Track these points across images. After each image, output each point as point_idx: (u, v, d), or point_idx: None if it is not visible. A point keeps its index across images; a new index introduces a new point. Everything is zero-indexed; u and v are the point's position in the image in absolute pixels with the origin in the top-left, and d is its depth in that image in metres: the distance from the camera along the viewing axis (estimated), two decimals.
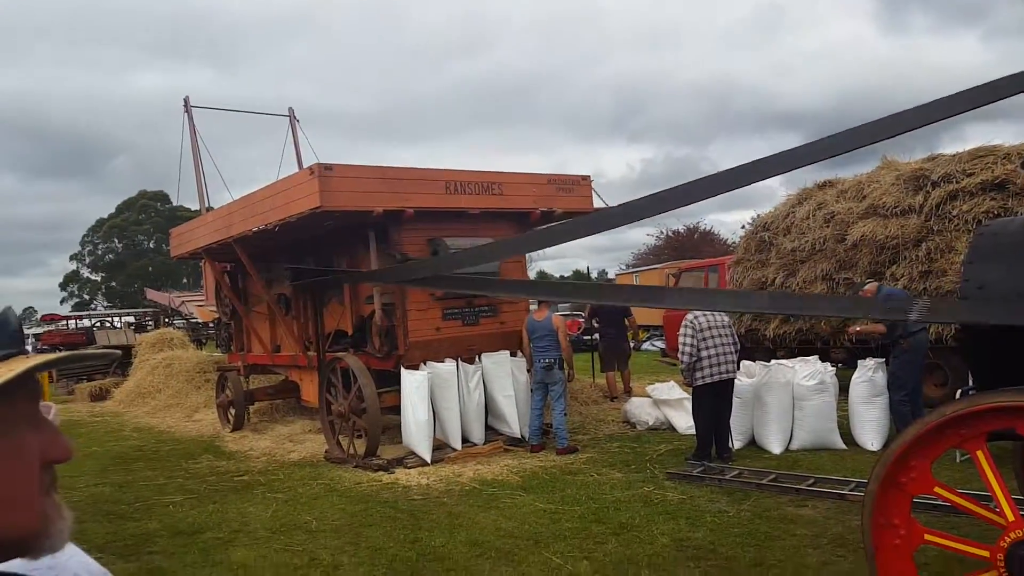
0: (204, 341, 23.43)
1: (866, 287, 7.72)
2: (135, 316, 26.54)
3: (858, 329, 8.39)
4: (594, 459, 7.84)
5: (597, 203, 10.03)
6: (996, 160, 9.24)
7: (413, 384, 8.06)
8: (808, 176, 12.26)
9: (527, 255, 10.49)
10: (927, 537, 3.00)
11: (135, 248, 57.45)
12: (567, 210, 9.58)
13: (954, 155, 9.87)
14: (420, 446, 8.01)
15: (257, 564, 5.15)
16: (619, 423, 9.78)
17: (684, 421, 8.73)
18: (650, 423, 9.33)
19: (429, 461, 7.92)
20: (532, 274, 14.60)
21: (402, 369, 8.26)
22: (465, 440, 8.51)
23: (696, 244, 37.41)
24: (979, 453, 2.85)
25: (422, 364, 8.43)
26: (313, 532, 5.82)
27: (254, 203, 9.11)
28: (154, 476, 8.29)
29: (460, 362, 8.56)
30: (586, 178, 10.13)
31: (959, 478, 5.23)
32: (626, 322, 12.61)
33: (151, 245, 56.88)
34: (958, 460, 6.02)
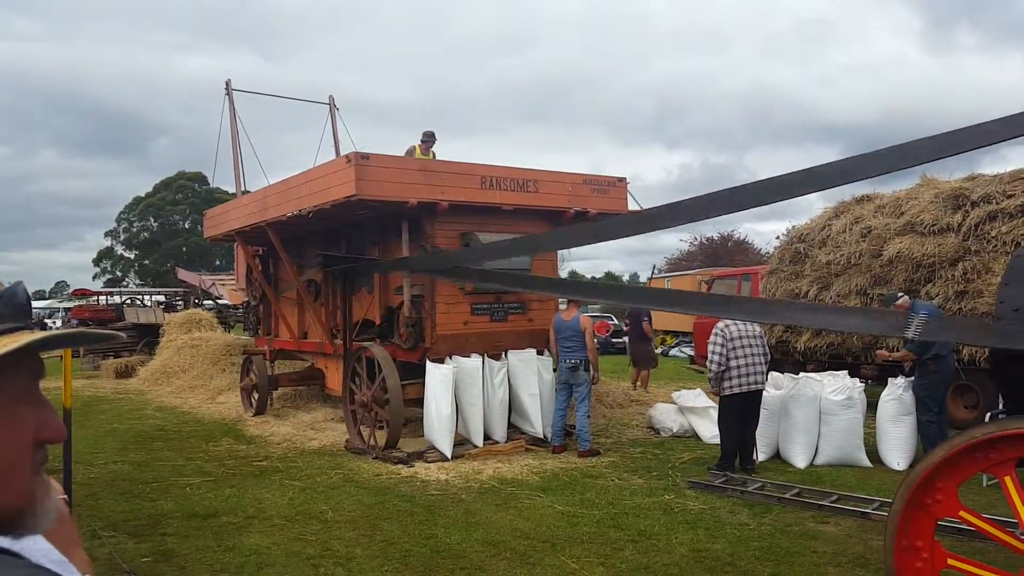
0: (232, 324, 23.71)
1: (899, 301, 7.54)
2: (165, 295, 26.92)
3: (888, 356, 8.25)
4: (616, 463, 7.73)
5: (632, 206, 9.90)
6: None
7: (438, 377, 8.01)
8: (846, 190, 12.01)
9: (559, 255, 10.38)
10: (950, 562, 2.92)
11: (170, 228, 58.40)
12: (601, 211, 9.48)
13: (995, 176, 9.75)
14: (441, 441, 7.95)
15: (270, 551, 5.14)
16: (643, 428, 9.66)
17: (709, 430, 8.58)
18: (674, 430, 9.19)
19: (449, 456, 7.87)
20: (563, 274, 14.49)
21: (427, 362, 8.22)
22: (487, 437, 8.45)
23: (729, 252, 36.98)
24: (1007, 479, 2.78)
25: (448, 358, 8.38)
26: (328, 522, 5.80)
27: (290, 188, 9.14)
28: (173, 457, 8.35)
29: (486, 358, 8.50)
30: (622, 180, 10.02)
31: (985, 503, 5.05)
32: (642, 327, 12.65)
33: (186, 225, 57.77)
34: (985, 484, 5.84)
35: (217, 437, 9.50)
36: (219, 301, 22.66)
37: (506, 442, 8.50)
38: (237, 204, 11.42)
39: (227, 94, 13.83)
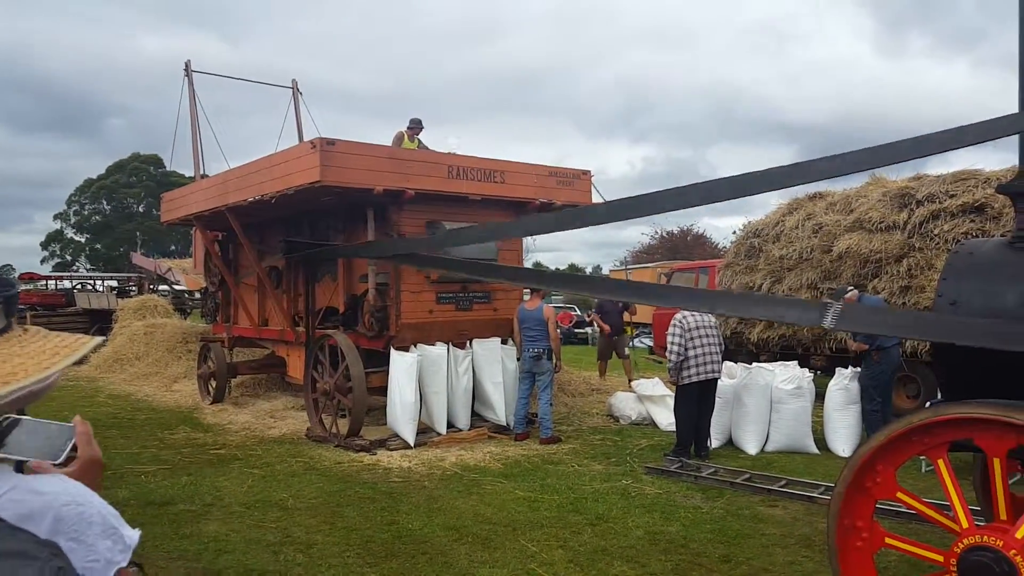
0: (189, 310, 23.25)
1: (847, 295, 7.82)
2: (118, 280, 26.25)
3: (855, 348, 8.54)
4: (576, 450, 7.85)
5: (596, 198, 10.03)
6: (977, 184, 9.48)
7: (402, 366, 8.01)
8: (799, 187, 12.32)
9: (524, 246, 10.46)
10: (888, 540, 3.07)
11: (123, 211, 56.90)
12: (566, 203, 9.57)
13: (938, 176, 10.13)
14: (404, 429, 7.97)
15: (229, 538, 5.10)
16: (603, 416, 9.81)
17: (666, 418, 8.78)
18: (633, 418, 9.37)
19: (412, 444, 7.88)
20: (528, 265, 14.57)
21: (392, 350, 8.21)
22: (450, 425, 8.49)
23: (689, 246, 37.63)
24: (940, 462, 2.93)
25: (413, 346, 8.39)
26: (289, 509, 5.78)
27: (252, 173, 9.01)
28: (127, 445, 8.19)
29: (451, 346, 8.53)
30: (586, 172, 10.13)
31: (923, 487, 5.27)
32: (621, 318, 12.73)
33: (140, 209, 56.36)
34: (923, 471, 6.10)
35: (173, 425, 9.35)
36: (176, 287, 22.21)
37: (469, 430, 8.55)
38: (196, 188, 11.20)
39: (186, 75, 13.50)
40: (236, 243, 11.05)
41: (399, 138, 10.57)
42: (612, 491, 6.23)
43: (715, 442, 7.90)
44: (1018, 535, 2.67)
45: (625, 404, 9.61)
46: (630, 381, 11.06)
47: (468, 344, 8.82)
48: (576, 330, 26.45)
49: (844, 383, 7.86)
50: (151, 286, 23.57)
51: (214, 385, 10.94)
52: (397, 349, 8.23)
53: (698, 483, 6.49)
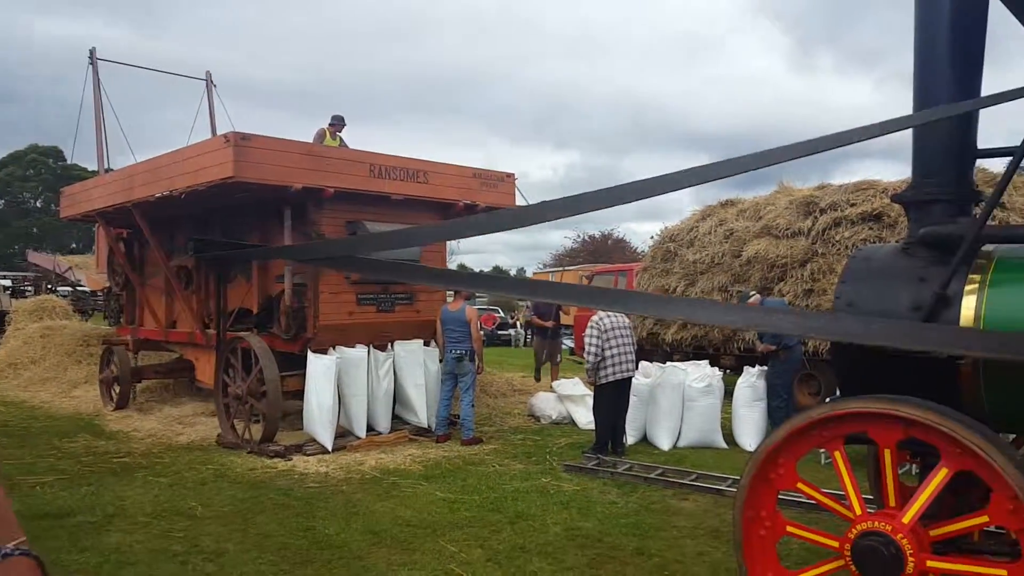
0: (91, 312, 22.06)
1: (751, 298, 8.22)
2: (12, 280, 24.63)
3: (763, 349, 8.90)
4: (497, 450, 7.89)
5: (519, 201, 10.10)
6: (875, 193, 10.08)
7: (320, 368, 7.84)
8: (713, 194, 12.83)
9: (447, 248, 10.44)
10: (789, 529, 3.22)
11: (19, 206, 53.47)
12: (490, 205, 9.59)
13: (840, 186, 10.73)
14: (322, 433, 7.79)
15: (132, 549, 4.87)
16: (524, 416, 9.90)
17: (585, 416, 8.94)
18: (553, 417, 9.51)
19: (330, 448, 7.72)
20: (452, 267, 14.52)
21: (309, 352, 8.02)
22: (370, 428, 8.36)
23: (610, 250, 38.46)
24: (836, 454, 3.09)
25: (331, 348, 8.22)
26: (198, 518, 5.56)
27: (160, 167, 8.63)
28: (21, 454, 7.67)
29: (372, 348, 8.40)
30: (510, 175, 10.18)
31: (822, 478, 5.57)
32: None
33: (38, 204, 53.10)
34: (822, 463, 6.42)
35: (72, 433, 8.83)
36: (77, 287, 21.02)
37: (390, 433, 8.45)
38: (100, 182, 10.63)
39: (91, 63, 12.83)
40: (142, 241, 10.55)
41: (320, 135, 10.36)
42: (532, 489, 6.29)
43: (631, 439, 8.12)
44: (904, 520, 2.85)
45: (546, 404, 9.72)
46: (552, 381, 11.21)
47: (389, 346, 8.71)
48: (499, 332, 26.55)
49: (752, 381, 8.22)
50: (49, 286, 22.23)
51: (117, 390, 10.39)
52: (315, 352, 8.05)
53: (614, 479, 6.64)
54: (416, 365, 8.74)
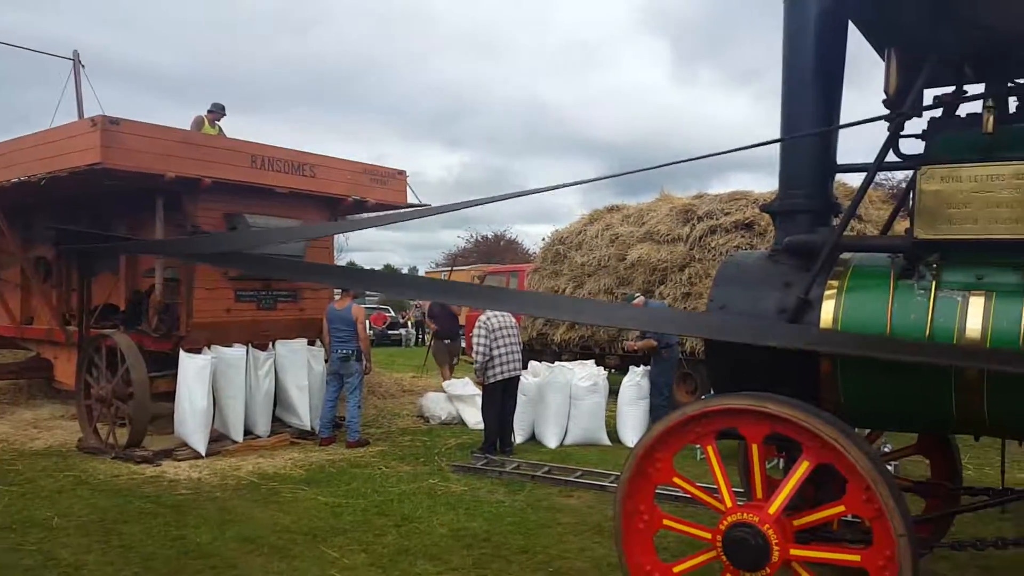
0: None
1: (635, 300, 8.55)
2: None
3: (635, 345, 9.23)
4: (384, 452, 7.75)
5: (411, 199, 9.98)
6: (747, 203, 10.69)
7: (193, 369, 7.42)
8: (602, 199, 13.22)
9: (336, 244, 10.18)
10: (665, 522, 3.35)
11: None
12: (380, 202, 9.44)
13: (716, 195, 11.33)
14: (194, 437, 7.38)
15: None
16: (413, 417, 9.79)
17: (474, 416, 8.95)
18: (443, 418, 9.46)
19: (204, 453, 7.33)
20: (341, 265, 14.13)
21: (181, 352, 7.58)
22: (248, 432, 8.01)
23: (502, 250, 38.75)
24: (709, 448, 3.24)
25: (206, 348, 7.80)
26: (54, 529, 5.13)
27: (16, 150, 7.91)
28: None
29: (251, 348, 8.05)
30: (402, 172, 10.05)
31: (698, 474, 5.86)
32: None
33: None
34: (698, 458, 6.73)
35: None
36: None
37: (269, 436, 8.13)
38: None
39: None
40: None
41: (198, 123, 9.84)
42: (419, 491, 6.22)
43: (519, 438, 8.20)
44: (770, 511, 3.02)
45: (435, 405, 9.66)
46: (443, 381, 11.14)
47: (270, 345, 8.39)
48: (390, 332, 26.16)
49: (636, 380, 8.51)
50: None
51: None
52: (188, 351, 7.62)
53: (502, 478, 6.68)
54: (299, 365, 8.46)
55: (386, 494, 6.12)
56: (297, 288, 8.95)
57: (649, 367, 8.56)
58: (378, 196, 9.44)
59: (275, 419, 8.43)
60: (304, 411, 8.41)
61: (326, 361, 8.50)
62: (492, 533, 5.13)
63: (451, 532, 5.16)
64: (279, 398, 8.43)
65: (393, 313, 28.44)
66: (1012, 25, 3.10)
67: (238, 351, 7.90)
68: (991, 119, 3.09)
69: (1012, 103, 3.34)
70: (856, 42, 3.56)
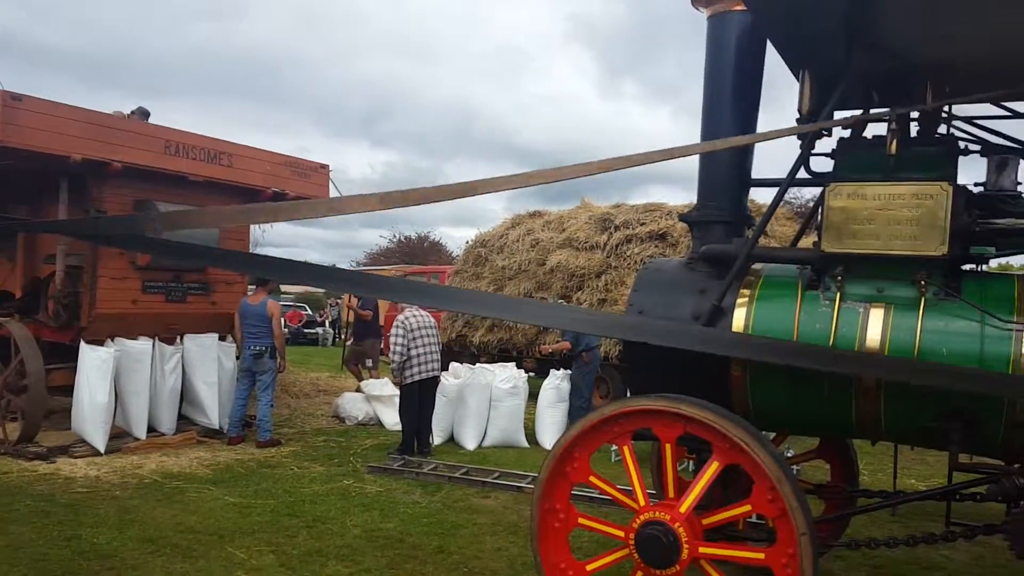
0: None
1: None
2: None
3: (548, 348, 9.34)
4: (297, 453, 7.55)
5: (333, 194, 9.77)
6: (662, 215, 11.07)
7: (94, 362, 7.03)
8: (525, 206, 13.34)
9: (252, 240, 9.87)
10: (580, 520, 3.40)
11: None
12: (300, 195, 9.19)
13: (633, 206, 11.69)
14: (93, 433, 6.99)
15: None
16: (329, 417, 9.58)
17: (392, 417, 8.83)
18: (360, 418, 9.30)
19: (103, 451, 6.95)
20: None
21: (82, 343, 7.17)
22: (151, 429, 7.66)
23: (425, 251, 38.45)
24: (624, 448, 3.32)
25: (109, 340, 7.41)
26: None
27: None
28: None
29: (157, 341, 7.70)
30: (324, 167, 9.85)
31: (613, 475, 6.00)
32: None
33: None
34: (613, 460, 6.88)
35: None
36: None
37: (175, 434, 7.79)
38: None
39: None
40: None
41: None
42: (332, 492, 6.09)
43: (438, 439, 8.15)
44: (681, 510, 3.11)
45: (352, 405, 9.48)
46: (359, 383, 10.92)
47: (178, 339, 8.04)
48: (306, 330, 25.52)
49: (556, 383, 8.61)
50: None
51: None
52: (89, 343, 7.22)
53: (419, 479, 6.62)
54: (208, 361, 8.14)
55: (297, 495, 5.97)
56: (208, 281, 8.62)
57: (570, 370, 8.68)
58: (298, 189, 9.22)
59: (181, 417, 8.09)
60: (212, 409, 8.10)
61: (237, 358, 8.22)
62: (407, 534, 5.08)
63: (365, 533, 5.08)
64: (186, 395, 8.09)
65: (310, 311, 27.76)
66: (915, 53, 3.32)
67: (143, 344, 7.55)
68: (894, 141, 3.30)
69: (913, 127, 3.57)
70: (774, 62, 3.74)
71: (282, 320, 9.84)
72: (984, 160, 3.36)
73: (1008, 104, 3.59)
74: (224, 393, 8.19)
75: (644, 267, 4.13)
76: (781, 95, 3.70)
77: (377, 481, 6.52)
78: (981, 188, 3.32)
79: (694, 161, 3.89)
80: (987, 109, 3.62)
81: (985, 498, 3.31)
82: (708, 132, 3.88)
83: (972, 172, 3.47)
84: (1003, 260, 4.23)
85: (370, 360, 11.63)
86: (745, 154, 3.91)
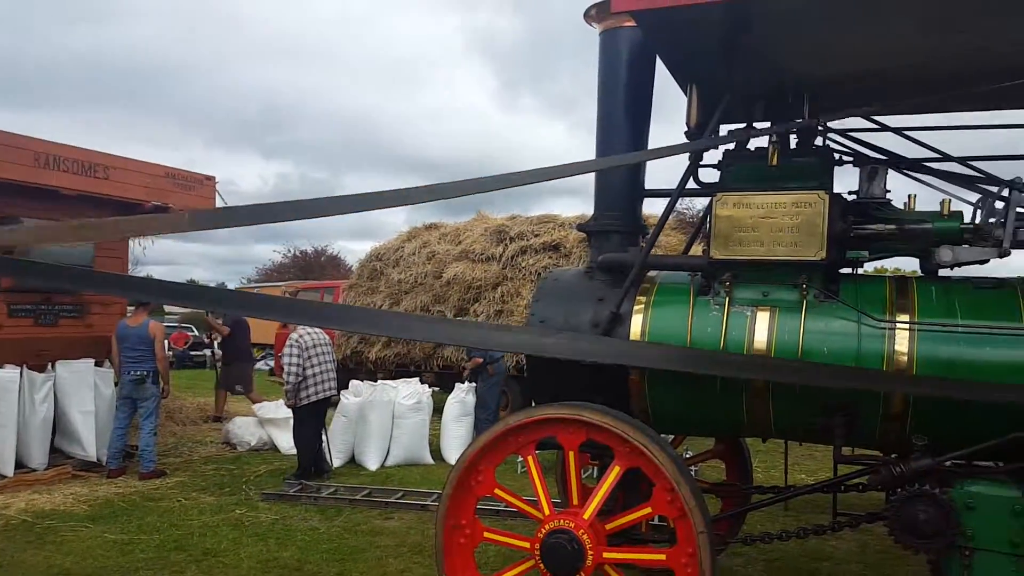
0: None
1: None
2: None
3: (468, 366, 9.20)
4: (184, 483, 7.11)
5: (220, 206, 9.36)
6: (555, 226, 11.28)
7: None
8: (423, 218, 13.25)
9: (131, 257, 9.31)
10: (486, 535, 3.36)
11: None
12: (186, 208, 8.73)
13: (528, 218, 11.86)
14: None
15: None
16: (219, 445, 9.07)
17: (288, 441, 8.46)
18: (253, 443, 8.87)
19: None
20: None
21: None
22: (20, 465, 7.04)
23: (323, 266, 37.41)
24: (529, 458, 3.31)
25: None
26: None
27: None
28: None
29: (25, 369, 7.09)
30: (210, 178, 9.46)
31: (520, 486, 6.00)
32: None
33: None
34: (519, 472, 6.89)
35: None
36: None
37: (46, 469, 7.17)
38: None
39: None
40: None
41: None
42: (224, 523, 5.77)
43: (337, 461, 7.88)
44: (585, 516, 3.13)
45: (244, 430, 9.03)
46: (220, 416, 10.35)
47: (50, 366, 7.43)
48: (192, 353, 24.20)
49: (461, 396, 8.53)
50: None
51: None
52: None
53: (318, 504, 6.37)
54: (84, 388, 7.56)
55: (185, 528, 5.62)
56: (83, 302, 8.04)
57: (476, 384, 8.62)
58: (183, 202, 8.77)
59: (54, 450, 7.46)
60: (89, 440, 7.51)
61: (116, 384, 7.68)
62: (305, 562, 4.87)
63: (259, 564, 4.83)
64: (59, 426, 7.47)
65: (197, 332, 26.36)
66: (792, 71, 3.52)
67: (10, 373, 6.94)
68: (775, 153, 3.47)
69: (793, 140, 3.77)
70: (667, 75, 3.86)
71: (166, 342, 9.28)
72: (856, 170, 3.59)
73: (877, 118, 3.87)
74: (102, 423, 7.62)
75: (544, 277, 4.15)
76: (680, 105, 3.82)
77: (272, 508, 6.22)
78: (854, 196, 3.54)
79: (589, 174, 3.95)
80: (859, 122, 3.88)
81: (867, 488, 3.50)
82: (603, 144, 3.96)
83: (846, 181, 3.71)
84: (879, 263, 4.53)
85: (240, 385, 10.71)
86: (638, 166, 4.01)
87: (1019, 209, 3.21)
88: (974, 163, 3.62)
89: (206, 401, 11.62)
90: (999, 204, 3.36)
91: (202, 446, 9.02)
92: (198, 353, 24.40)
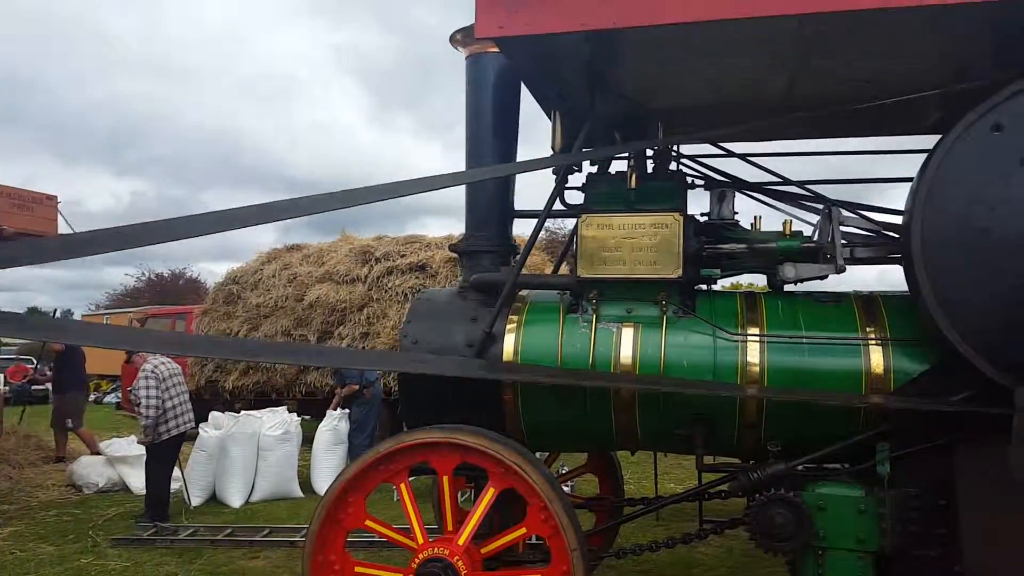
0: None
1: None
2: None
3: (340, 393, 8.85)
4: (20, 533, 6.45)
5: (63, 228, 8.62)
6: (422, 246, 11.25)
7: None
8: (290, 237, 12.78)
9: None
10: (357, 569, 3.22)
11: None
12: (23, 231, 7.99)
13: (394, 238, 11.76)
14: None
15: None
16: (62, 488, 8.27)
17: (140, 480, 7.84)
18: (101, 485, 8.17)
19: None
20: None
21: None
22: None
23: (181, 290, 35.19)
24: (402, 486, 3.23)
25: None
26: None
27: None
28: None
29: None
30: (51, 198, 8.70)
31: (395, 515, 5.88)
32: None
33: None
34: (395, 499, 6.74)
35: None
36: None
37: None
38: None
39: None
40: None
41: None
42: (65, 574, 5.24)
43: (196, 499, 7.40)
44: (460, 541, 3.08)
45: (91, 470, 8.29)
46: (62, 456, 9.51)
47: None
48: (33, 387, 21.97)
49: (334, 424, 8.22)
50: None
51: None
52: None
53: (174, 547, 5.97)
54: None
55: None
56: None
57: (349, 410, 8.36)
58: (19, 224, 8.01)
59: None
60: None
61: None
62: None
63: None
64: None
65: (37, 363, 23.98)
66: (646, 98, 3.70)
67: None
68: (634, 176, 3.63)
69: (650, 164, 3.96)
70: (533, 101, 3.95)
71: (1, 377, 8.39)
72: (707, 193, 3.81)
73: (723, 144, 4.13)
74: None
75: (416, 297, 4.10)
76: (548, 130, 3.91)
77: (123, 555, 5.76)
78: (707, 217, 3.76)
79: (455, 194, 3.97)
80: (708, 149, 4.13)
81: (728, 494, 3.68)
82: (472, 166, 3.99)
83: (698, 204, 3.92)
84: (734, 279, 4.81)
85: (70, 420, 9.70)
86: (507, 188, 4.07)
87: (843, 229, 3.51)
88: (812, 186, 3.93)
89: (49, 440, 10.56)
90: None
91: (42, 490, 8.19)
92: (39, 387, 22.20)
